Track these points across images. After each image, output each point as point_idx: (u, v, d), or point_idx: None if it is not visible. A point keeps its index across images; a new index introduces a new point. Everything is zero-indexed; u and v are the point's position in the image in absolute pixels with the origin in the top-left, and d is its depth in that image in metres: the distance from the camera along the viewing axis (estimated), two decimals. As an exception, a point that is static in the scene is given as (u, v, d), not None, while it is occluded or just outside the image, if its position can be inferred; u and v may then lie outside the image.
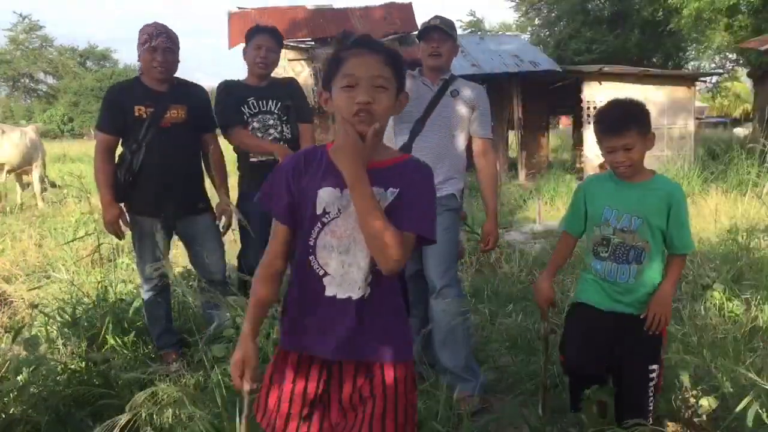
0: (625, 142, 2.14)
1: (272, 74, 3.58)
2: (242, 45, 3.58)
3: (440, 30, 2.93)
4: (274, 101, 3.45)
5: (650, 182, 2.24)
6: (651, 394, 2.22)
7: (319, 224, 1.49)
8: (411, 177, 1.51)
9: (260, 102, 3.44)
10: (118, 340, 3.29)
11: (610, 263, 2.25)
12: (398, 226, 1.43)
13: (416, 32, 3.17)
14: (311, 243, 1.50)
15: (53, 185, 9.89)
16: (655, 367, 2.23)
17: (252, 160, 3.44)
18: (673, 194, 2.21)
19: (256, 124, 3.42)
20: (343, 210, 1.48)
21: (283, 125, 3.46)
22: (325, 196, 1.49)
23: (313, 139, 3.65)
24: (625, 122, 2.16)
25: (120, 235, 3.34)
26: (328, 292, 1.51)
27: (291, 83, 3.71)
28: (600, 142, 2.25)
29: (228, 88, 3.53)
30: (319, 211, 1.49)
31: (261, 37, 3.44)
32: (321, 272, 1.51)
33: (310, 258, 1.52)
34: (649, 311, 2.20)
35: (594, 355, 2.27)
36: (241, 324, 2.68)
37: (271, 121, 3.45)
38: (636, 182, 2.23)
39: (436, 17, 3.00)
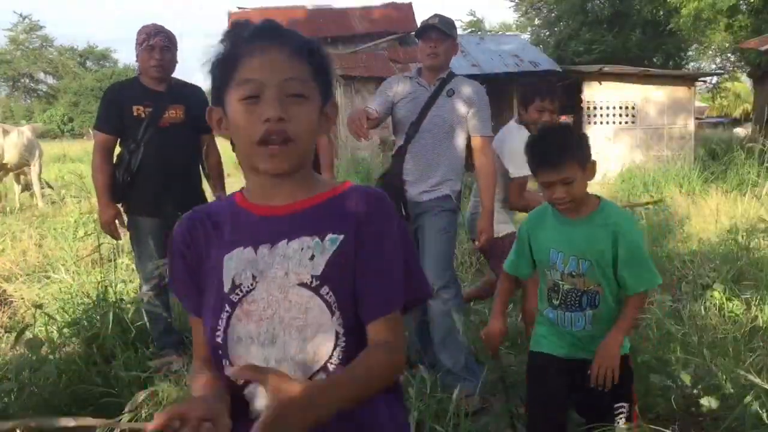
0: (563, 176, 1.86)
1: None
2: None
3: (438, 29, 2.92)
4: None
5: (596, 214, 1.94)
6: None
7: (227, 307, 1.01)
8: (363, 220, 1.03)
9: None
10: (118, 340, 3.29)
11: (562, 312, 2.00)
12: (371, 303, 1.01)
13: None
14: (219, 338, 1.01)
15: (49, 186, 9.92)
16: (623, 404, 1.97)
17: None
18: (620, 225, 1.91)
19: None
20: (260, 276, 1.01)
21: None
22: (234, 262, 1.02)
23: (332, 152, 3.40)
24: (562, 154, 1.88)
25: (116, 236, 3.34)
26: (256, 409, 1.00)
27: None
28: (535, 175, 1.98)
29: None
30: (227, 287, 1.01)
31: None
32: (240, 380, 1.00)
33: (223, 362, 1.02)
34: (593, 364, 1.92)
35: (560, 420, 2.03)
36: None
37: None
38: (580, 217, 1.95)
39: (435, 16, 3.00)
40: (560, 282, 1.98)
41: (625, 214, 2.04)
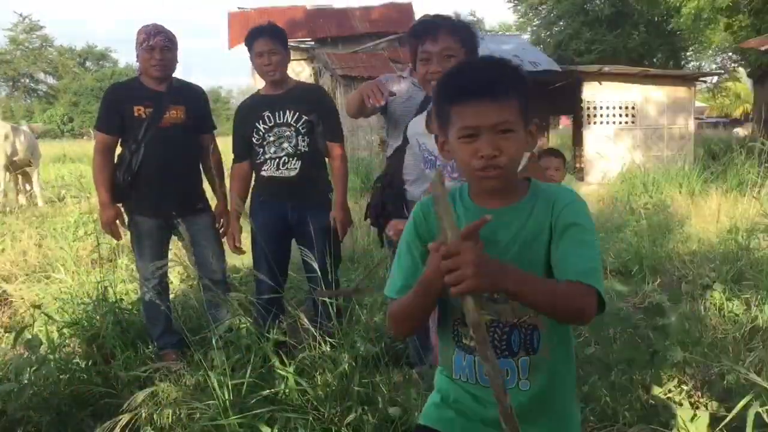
0: (501, 117, 1.20)
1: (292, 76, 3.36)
2: (242, 45, 3.52)
3: None
4: (292, 112, 3.13)
5: (526, 200, 1.27)
6: None
7: None
8: None
9: (276, 113, 3.13)
10: (118, 340, 3.30)
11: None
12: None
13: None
14: None
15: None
16: None
17: (262, 174, 3.22)
18: (558, 200, 1.25)
19: (271, 138, 3.15)
20: None
21: (299, 137, 3.14)
22: None
23: (345, 161, 3.28)
24: (502, 83, 1.23)
25: (117, 236, 3.34)
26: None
27: (314, 92, 3.38)
28: (446, 121, 1.26)
29: (243, 111, 3.28)
30: None
31: (259, 43, 3.10)
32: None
33: None
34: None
35: None
36: (243, 324, 2.69)
37: (287, 133, 3.13)
38: (505, 206, 1.26)
39: (428, 16, 2.98)
40: None
41: (565, 190, 1.30)
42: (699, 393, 2.60)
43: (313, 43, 15.05)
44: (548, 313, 1.18)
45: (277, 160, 3.16)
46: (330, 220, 3.17)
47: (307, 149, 3.15)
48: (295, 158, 3.15)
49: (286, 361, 2.55)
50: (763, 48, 12.89)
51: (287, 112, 3.13)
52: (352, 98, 2.91)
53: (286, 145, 3.14)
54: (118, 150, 3.26)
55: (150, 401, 2.41)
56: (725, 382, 2.56)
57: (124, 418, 2.26)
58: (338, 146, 3.27)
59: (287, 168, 3.15)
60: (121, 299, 3.76)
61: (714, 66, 22.48)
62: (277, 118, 3.13)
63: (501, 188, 1.26)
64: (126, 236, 3.40)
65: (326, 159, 3.31)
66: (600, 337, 2.94)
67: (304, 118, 3.13)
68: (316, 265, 2.77)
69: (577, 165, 14.61)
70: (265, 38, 3.10)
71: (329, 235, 3.14)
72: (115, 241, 3.83)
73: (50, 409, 2.57)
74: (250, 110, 3.23)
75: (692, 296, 3.98)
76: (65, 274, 4.40)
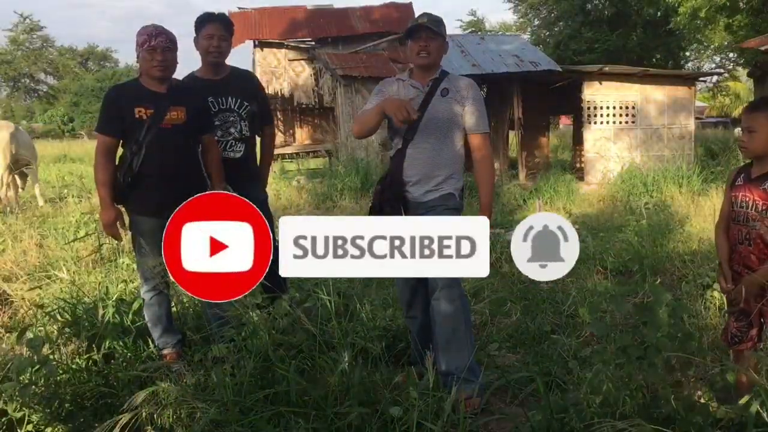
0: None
1: (241, 66, 3.71)
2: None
3: (428, 28, 2.89)
4: (234, 98, 3.49)
5: None
6: None
7: None
8: None
9: (220, 99, 3.48)
10: (118, 340, 3.30)
11: None
12: None
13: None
14: None
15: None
16: None
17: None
18: None
19: (217, 122, 3.50)
20: None
21: (242, 123, 3.54)
22: None
23: (273, 140, 3.87)
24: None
25: (118, 237, 3.34)
26: None
27: (252, 80, 3.76)
28: None
29: None
30: None
31: (212, 27, 3.44)
32: None
33: None
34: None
35: None
36: (249, 320, 2.69)
37: (232, 118, 3.51)
38: None
39: (424, 15, 2.96)
40: None
41: None
42: (699, 392, 2.60)
43: (313, 43, 15.05)
44: None
45: (224, 142, 3.54)
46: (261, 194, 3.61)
47: (249, 134, 3.58)
48: (241, 142, 3.55)
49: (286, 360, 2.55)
50: (763, 48, 12.87)
51: (230, 99, 3.51)
52: (368, 117, 2.89)
53: (233, 130, 3.52)
54: (120, 151, 3.26)
55: (150, 401, 2.42)
56: (725, 381, 2.56)
57: (124, 418, 2.26)
58: (271, 127, 3.82)
59: (233, 150, 3.54)
60: (122, 299, 3.77)
61: (713, 65, 22.48)
62: (221, 104, 3.49)
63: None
64: (126, 236, 3.41)
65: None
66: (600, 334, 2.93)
67: (246, 105, 3.52)
68: None
69: (577, 165, 14.61)
70: (218, 24, 3.47)
71: (266, 205, 3.55)
72: (115, 241, 3.84)
73: (51, 409, 2.57)
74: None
75: (692, 296, 3.98)
76: (66, 274, 4.40)
